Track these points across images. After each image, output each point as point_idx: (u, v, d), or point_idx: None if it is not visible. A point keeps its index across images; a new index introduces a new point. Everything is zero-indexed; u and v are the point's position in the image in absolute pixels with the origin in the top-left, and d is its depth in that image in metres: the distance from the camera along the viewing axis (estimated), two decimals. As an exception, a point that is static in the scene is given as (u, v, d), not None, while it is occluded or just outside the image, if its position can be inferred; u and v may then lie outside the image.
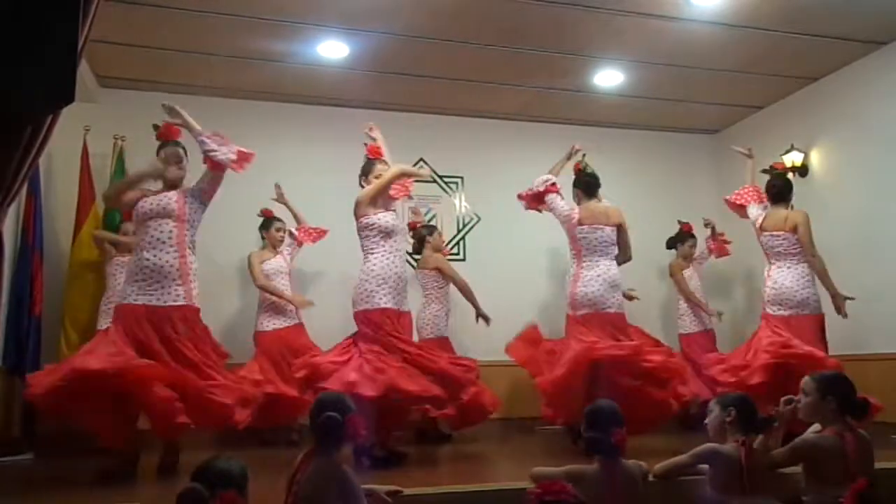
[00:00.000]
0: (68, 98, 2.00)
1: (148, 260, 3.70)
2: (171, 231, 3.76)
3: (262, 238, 5.57)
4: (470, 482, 3.24)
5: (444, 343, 5.37)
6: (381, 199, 4.20)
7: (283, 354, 5.16)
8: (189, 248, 3.83)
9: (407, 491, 2.72)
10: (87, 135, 5.36)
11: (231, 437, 5.24)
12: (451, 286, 5.60)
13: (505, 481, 3.03)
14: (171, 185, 3.91)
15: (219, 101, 5.99)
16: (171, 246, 3.75)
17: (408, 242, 5.50)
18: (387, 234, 4.13)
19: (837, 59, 5.56)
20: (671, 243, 6.36)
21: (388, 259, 4.09)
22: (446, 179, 6.55)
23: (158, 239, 3.74)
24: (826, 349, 4.43)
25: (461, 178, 6.59)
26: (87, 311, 5.11)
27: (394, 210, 4.29)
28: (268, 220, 5.60)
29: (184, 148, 4.05)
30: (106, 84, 5.67)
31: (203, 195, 3.92)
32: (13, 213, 4.62)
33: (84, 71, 5.17)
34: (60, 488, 3.50)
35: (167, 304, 3.67)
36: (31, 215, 4.92)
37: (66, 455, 4.20)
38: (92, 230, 5.22)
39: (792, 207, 4.74)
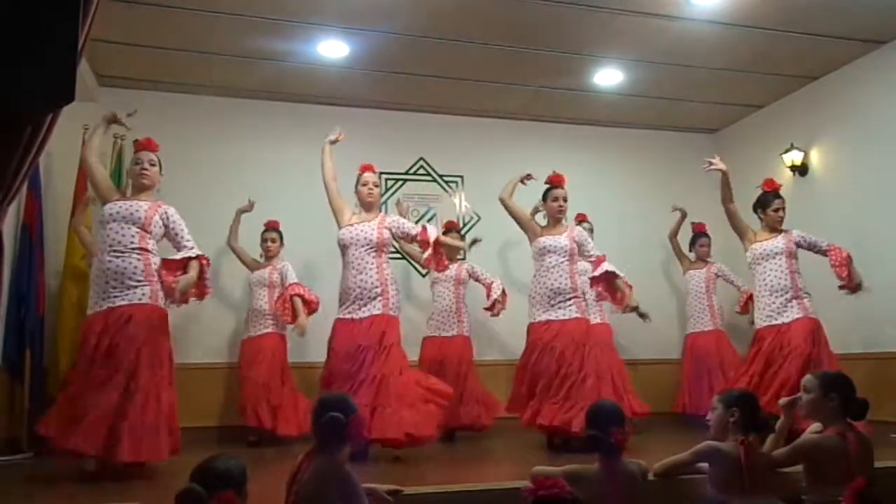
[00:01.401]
0: (68, 97, 2.00)
1: (111, 262, 3.66)
2: (133, 235, 3.72)
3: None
4: (470, 481, 3.24)
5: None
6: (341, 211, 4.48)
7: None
8: (152, 252, 3.79)
9: (407, 490, 2.72)
10: (86, 134, 5.35)
11: (231, 436, 5.27)
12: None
13: (505, 480, 3.02)
14: (140, 188, 3.90)
15: (219, 100, 6.00)
16: (135, 249, 3.71)
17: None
18: (341, 247, 4.39)
19: (837, 58, 5.56)
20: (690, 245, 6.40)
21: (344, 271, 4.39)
22: (446, 179, 6.55)
23: (121, 242, 3.70)
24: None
25: (461, 177, 6.59)
26: (84, 312, 5.10)
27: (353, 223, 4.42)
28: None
29: (155, 156, 4.04)
30: (106, 83, 5.67)
31: (164, 236, 3.91)
32: (13, 212, 4.62)
33: (84, 70, 5.17)
34: (61, 488, 3.50)
35: (134, 302, 3.64)
36: (33, 215, 4.91)
37: (67, 455, 4.18)
38: (81, 228, 5.21)
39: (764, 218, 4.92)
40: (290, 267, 5.39)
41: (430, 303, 5.74)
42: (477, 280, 5.69)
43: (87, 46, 2.33)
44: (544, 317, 4.65)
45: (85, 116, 5.11)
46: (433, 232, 4.36)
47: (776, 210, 4.83)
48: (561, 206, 4.80)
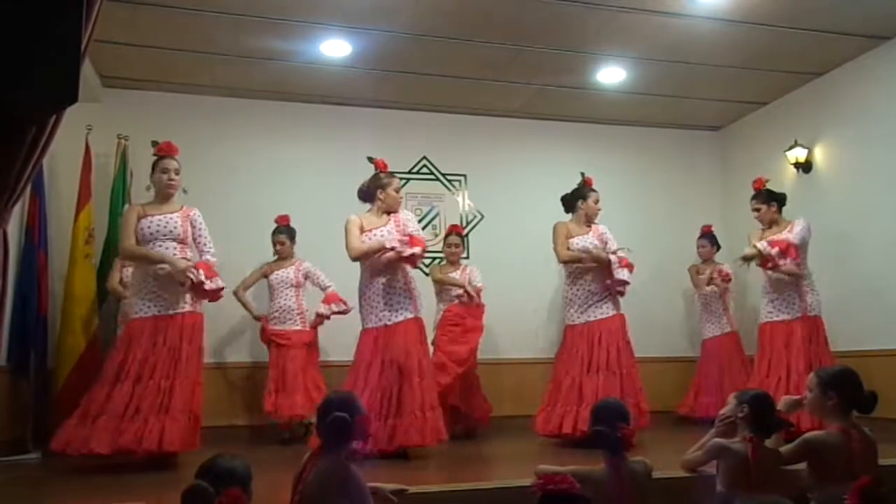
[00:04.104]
0: (72, 98, 2.00)
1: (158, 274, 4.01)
2: (175, 249, 4.09)
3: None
4: (475, 480, 3.24)
5: None
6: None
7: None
8: (189, 261, 4.15)
9: (412, 489, 2.72)
10: (91, 135, 5.36)
11: (232, 436, 5.28)
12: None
13: (510, 479, 3.02)
14: (166, 197, 4.18)
15: (222, 100, 6.00)
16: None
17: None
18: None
19: (841, 54, 5.53)
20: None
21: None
22: (449, 177, 6.55)
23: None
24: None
25: (464, 175, 6.58)
26: (86, 312, 5.12)
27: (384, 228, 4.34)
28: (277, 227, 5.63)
29: (178, 161, 4.23)
30: (109, 84, 5.67)
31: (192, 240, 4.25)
32: (17, 213, 4.63)
33: (87, 71, 5.17)
34: (66, 488, 3.51)
35: (176, 311, 4.02)
36: (35, 215, 4.92)
37: (73, 455, 4.20)
38: (84, 229, 5.22)
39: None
40: (312, 268, 5.57)
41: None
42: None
43: (91, 47, 2.33)
44: (582, 318, 4.74)
45: (89, 117, 5.15)
46: (415, 246, 4.27)
47: (754, 210, 5.00)
48: (600, 208, 4.99)
